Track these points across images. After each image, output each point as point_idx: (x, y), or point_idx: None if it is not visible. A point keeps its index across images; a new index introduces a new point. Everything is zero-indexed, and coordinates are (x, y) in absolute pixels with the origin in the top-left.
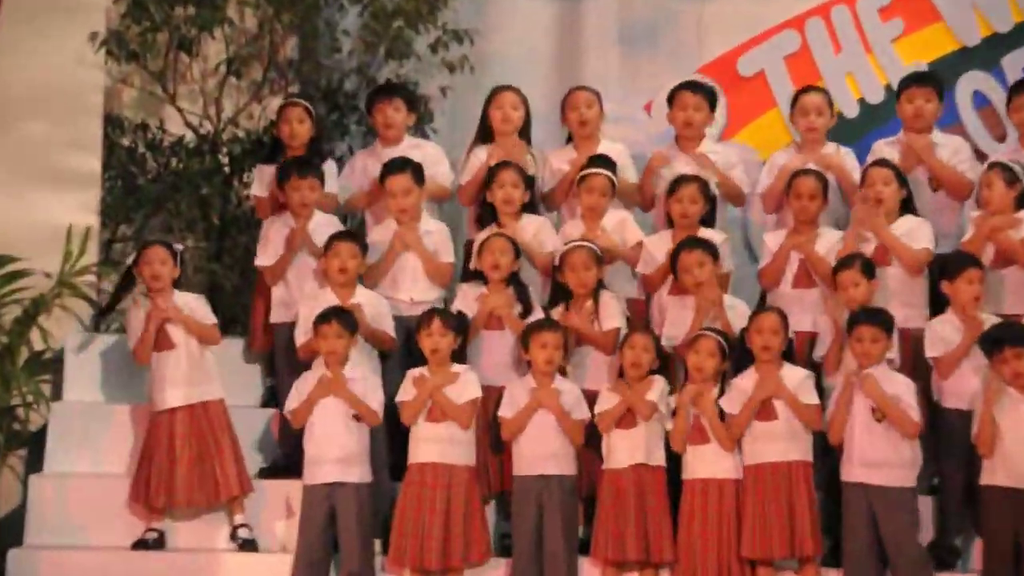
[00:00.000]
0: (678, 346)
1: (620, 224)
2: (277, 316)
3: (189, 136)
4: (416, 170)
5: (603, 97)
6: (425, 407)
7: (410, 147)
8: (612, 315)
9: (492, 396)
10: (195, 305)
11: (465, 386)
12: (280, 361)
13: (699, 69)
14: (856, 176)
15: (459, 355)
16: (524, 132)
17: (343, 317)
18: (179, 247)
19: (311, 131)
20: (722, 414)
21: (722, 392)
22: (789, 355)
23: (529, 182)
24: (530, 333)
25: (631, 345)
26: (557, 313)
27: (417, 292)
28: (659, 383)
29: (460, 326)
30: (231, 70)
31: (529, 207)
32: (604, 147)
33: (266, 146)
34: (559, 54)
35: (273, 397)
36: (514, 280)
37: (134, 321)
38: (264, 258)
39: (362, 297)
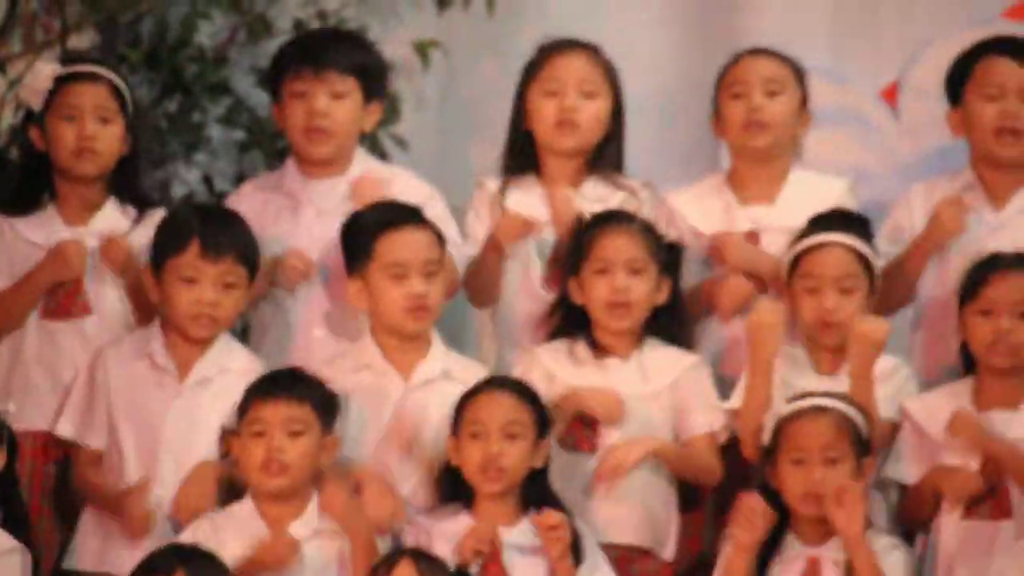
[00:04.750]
0: None
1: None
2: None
3: None
4: (436, 229)
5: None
6: None
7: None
8: None
9: None
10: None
11: None
12: None
13: (1007, 12)
14: None
15: None
16: (610, 145)
17: (203, 568)
18: (9, 408)
19: (124, 139)
20: None
21: None
22: None
23: (667, 255)
24: None
25: None
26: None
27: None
28: None
29: None
30: None
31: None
32: (810, 183)
33: (11, 167)
34: None
35: None
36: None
37: None
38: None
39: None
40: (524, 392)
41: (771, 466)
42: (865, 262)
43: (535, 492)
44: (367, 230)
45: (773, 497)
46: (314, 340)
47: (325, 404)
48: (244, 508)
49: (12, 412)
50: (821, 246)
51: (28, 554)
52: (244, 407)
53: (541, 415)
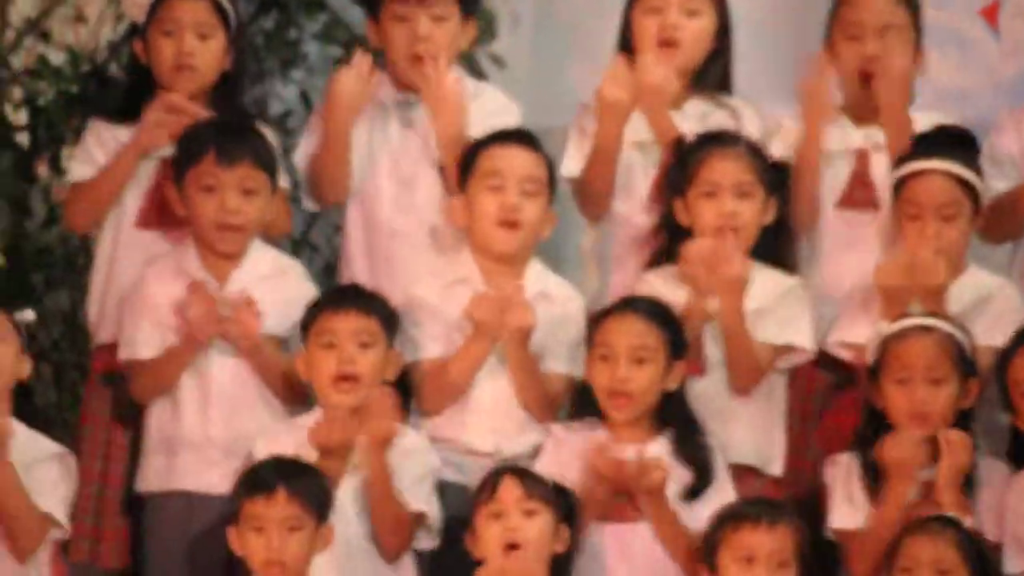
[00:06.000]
0: None
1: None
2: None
3: None
4: (545, 156)
5: None
6: None
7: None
8: None
9: None
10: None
11: None
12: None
13: None
14: None
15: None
16: (714, 64)
17: (306, 483)
18: (26, 315)
19: (225, 55)
20: None
21: None
22: None
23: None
24: (718, 534)
25: None
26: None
27: (508, 434)
28: None
29: (564, 502)
30: None
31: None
32: (920, 122)
33: (112, 83)
34: None
35: None
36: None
37: None
38: (136, 347)
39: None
40: (656, 314)
41: (875, 385)
42: (968, 185)
43: (671, 412)
44: (475, 146)
45: (878, 417)
46: (407, 253)
47: (390, 319)
48: (312, 420)
49: (31, 319)
50: (923, 173)
51: (73, 457)
52: (310, 320)
53: (675, 336)
